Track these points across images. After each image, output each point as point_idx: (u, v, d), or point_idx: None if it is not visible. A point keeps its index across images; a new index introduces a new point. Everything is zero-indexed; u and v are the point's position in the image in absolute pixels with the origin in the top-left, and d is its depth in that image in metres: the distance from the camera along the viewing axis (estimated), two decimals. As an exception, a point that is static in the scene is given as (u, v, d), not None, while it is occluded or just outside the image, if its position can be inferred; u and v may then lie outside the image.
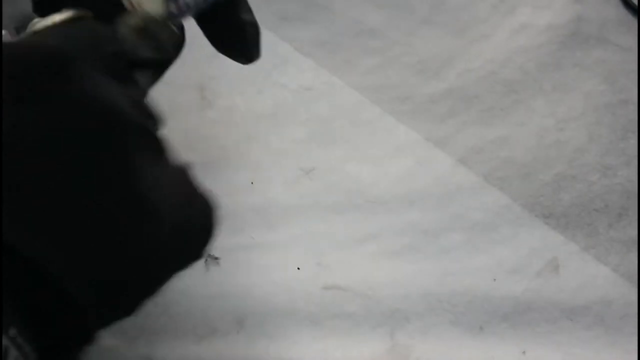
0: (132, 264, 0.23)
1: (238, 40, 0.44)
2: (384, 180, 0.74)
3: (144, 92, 0.29)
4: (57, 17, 0.26)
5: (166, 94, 0.78)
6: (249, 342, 0.63)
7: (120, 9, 0.33)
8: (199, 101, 0.77)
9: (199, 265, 0.67)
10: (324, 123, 0.77)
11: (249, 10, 0.41)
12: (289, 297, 0.65)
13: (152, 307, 0.64)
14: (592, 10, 0.86)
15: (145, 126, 0.25)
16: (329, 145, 0.76)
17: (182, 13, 0.44)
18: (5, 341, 0.19)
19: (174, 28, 0.40)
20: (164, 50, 0.38)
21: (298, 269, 0.67)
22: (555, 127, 0.77)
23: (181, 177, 0.28)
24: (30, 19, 0.27)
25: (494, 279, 0.67)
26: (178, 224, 0.25)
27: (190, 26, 0.80)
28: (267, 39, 0.89)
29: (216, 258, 0.67)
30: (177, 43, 0.40)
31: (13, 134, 0.20)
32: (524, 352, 0.63)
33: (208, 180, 0.72)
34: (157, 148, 0.27)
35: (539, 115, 0.78)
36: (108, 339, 0.62)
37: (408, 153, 0.75)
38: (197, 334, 0.63)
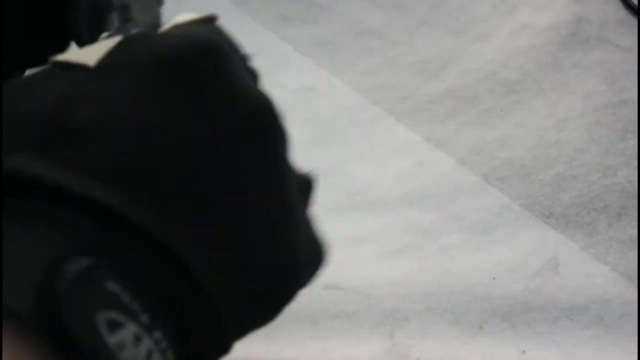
0: (277, 272, 0.22)
1: None
2: (384, 180, 0.74)
3: None
4: (186, 16, 0.26)
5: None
6: (248, 341, 0.63)
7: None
8: (199, 101, 0.78)
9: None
10: (324, 123, 0.77)
11: None
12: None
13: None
14: (592, 10, 0.86)
15: (286, 130, 0.24)
16: (328, 145, 0.76)
17: None
18: (149, 343, 0.18)
19: None
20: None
21: (298, 268, 0.67)
22: (555, 128, 0.77)
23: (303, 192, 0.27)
24: (159, 26, 0.27)
25: (494, 279, 0.67)
26: (309, 239, 0.25)
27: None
28: (267, 39, 0.90)
29: (216, 258, 0.67)
30: None
31: (167, 120, 0.20)
32: (523, 352, 0.63)
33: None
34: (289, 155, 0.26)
35: (538, 116, 0.78)
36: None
37: (408, 153, 0.75)
38: (197, 334, 0.63)
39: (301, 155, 0.83)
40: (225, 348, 0.22)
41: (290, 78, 0.80)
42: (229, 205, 0.20)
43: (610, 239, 0.69)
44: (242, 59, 0.25)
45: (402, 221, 0.71)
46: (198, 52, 0.21)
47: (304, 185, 0.25)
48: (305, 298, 0.67)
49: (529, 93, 0.80)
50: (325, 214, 0.76)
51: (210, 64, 0.21)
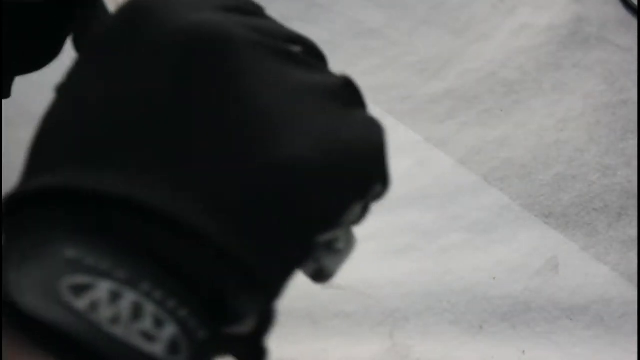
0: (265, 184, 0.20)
1: None
2: (384, 180, 0.74)
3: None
4: None
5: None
6: (248, 341, 0.63)
7: None
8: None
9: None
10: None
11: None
12: (288, 296, 0.65)
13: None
14: (592, 10, 0.86)
15: (277, 47, 0.24)
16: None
17: None
18: (134, 296, 0.17)
19: None
20: None
21: (298, 268, 0.67)
22: (555, 127, 0.77)
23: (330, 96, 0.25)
24: None
25: (494, 279, 0.67)
26: (330, 139, 0.23)
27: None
28: (267, 39, 0.90)
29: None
30: None
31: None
32: (523, 352, 0.63)
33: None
34: (295, 66, 0.24)
35: (538, 116, 0.78)
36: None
37: (408, 153, 0.75)
38: (197, 334, 0.63)
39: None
40: (260, 289, 0.20)
41: (290, 78, 0.80)
42: (198, 145, 0.20)
43: (611, 239, 0.69)
44: (271, 37, 0.24)
45: (402, 221, 0.71)
46: (203, 46, 0.21)
47: (337, 88, 0.24)
48: (305, 298, 0.67)
49: (529, 93, 0.80)
50: (325, 214, 0.75)
51: (214, 54, 0.21)
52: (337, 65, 0.89)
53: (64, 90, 0.21)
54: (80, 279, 0.17)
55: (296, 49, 0.25)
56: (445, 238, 0.70)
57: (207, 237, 0.18)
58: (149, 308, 0.17)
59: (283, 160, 0.20)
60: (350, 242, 0.30)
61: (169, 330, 0.18)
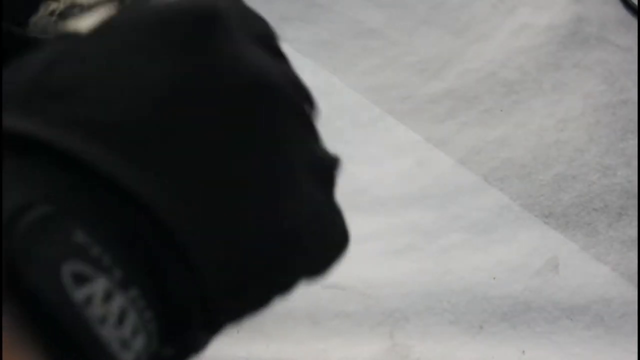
0: (269, 246, 0.21)
1: None
2: (384, 180, 0.74)
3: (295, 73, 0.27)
4: None
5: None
6: (248, 341, 0.63)
7: None
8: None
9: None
10: (324, 123, 0.77)
11: None
12: (288, 297, 0.65)
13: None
14: (592, 10, 0.86)
15: (297, 102, 0.23)
16: (328, 145, 0.76)
17: None
18: (124, 301, 0.17)
19: None
20: None
21: (298, 268, 0.67)
22: (555, 128, 0.77)
23: (325, 174, 0.25)
24: None
25: (494, 279, 0.67)
26: (316, 215, 0.23)
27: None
28: (267, 39, 0.90)
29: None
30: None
31: (152, 82, 0.19)
32: (523, 352, 0.63)
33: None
34: (308, 131, 0.24)
35: (538, 116, 0.78)
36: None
37: (408, 153, 0.75)
38: (197, 334, 0.63)
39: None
40: (212, 324, 0.20)
41: (290, 78, 0.80)
42: (214, 168, 0.19)
43: (611, 239, 0.69)
44: (262, 34, 0.24)
45: (402, 221, 0.71)
46: (193, 18, 0.21)
47: (325, 168, 0.24)
48: (305, 298, 0.67)
49: (529, 93, 0.80)
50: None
51: (203, 30, 0.21)
52: (337, 65, 0.90)
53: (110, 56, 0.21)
54: (83, 267, 0.16)
55: (308, 109, 0.25)
56: (445, 238, 0.70)
57: (195, 264, 0.19)
58: (132, 316, 0.17)
59: (284, 225, 0.21)
60: None
61: (140, 342, 0.17)
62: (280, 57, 0.24)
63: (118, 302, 0.17)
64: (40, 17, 0.31)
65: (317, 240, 0.23)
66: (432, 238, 0.70)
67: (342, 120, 0.78)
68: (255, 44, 0.23)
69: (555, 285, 0.67)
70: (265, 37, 0.24)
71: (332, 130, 0.77)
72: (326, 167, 0.24)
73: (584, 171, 0.74)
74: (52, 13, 0.32)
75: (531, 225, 0.70)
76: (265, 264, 0.21)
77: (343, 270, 0.74)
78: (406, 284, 0.67)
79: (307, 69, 0.81)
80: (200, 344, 0.21)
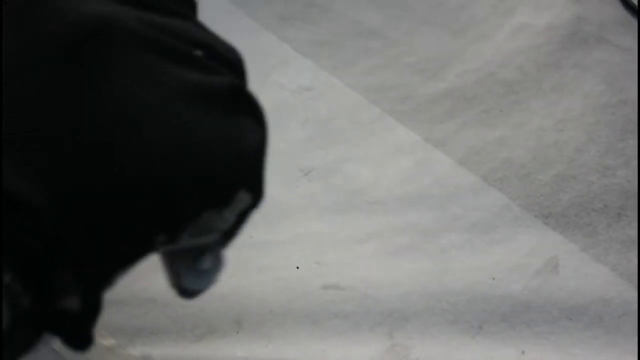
0: (111, 195, 0.21)
1: None
2: (383, 180, 0.74)
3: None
4: None
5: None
6: (248, 341, 0.63)
7: None
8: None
9: (198, 265, 0.67)
10: (323, 123, 0.77)
11: None
12: (288, 297, 0.65)
13: (151, 307, 0.64)
14: (592, 10, 0.86)
15: (147, 36, 0.23)
16: (328, 145, 0.76)
17: None
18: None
19: None
20: None
21: (297, 268, 0.67)
22: (555, 128, 0.77)
23: (201, 97, 0.25)
24: None
25: (493, 279, 0.67)
26: (204, 138, 0.23)
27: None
28: (267, 40, 0.90)
29: (215, 258, 0.67)
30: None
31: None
32: (523, 352, 0.63)
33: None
34: (172, 62, 0.24)
35: (538, 116, 0.78)
36: (107, 339, 0.62)
37: (407, 153, 0.75)
38: (196, 334, 0.63)
39: (300, 155, 0.83)
40: (73, 266, 0.21)
41: (289, 78, 0.80)
42: (46, 123, 0.20)
43: (610, 239, 0.69)
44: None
45: (402, 221, 0.71)
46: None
47: (208, 91, 0.24)
48: (305, 298, 0.67)
49: (529, 93, 0.80)
50: (325, 214, 0.76)
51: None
52: (337, 65, 0.89)
53: None
54: None
55: (197, 52, 0.25)
56: (444, 238, 0.70)
57: (42, 215, 0.19)
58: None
59: (129, 170, 0.21)
60: (218, 263, 0.29)
61: None
62: (163, 12, 0.25)
63: None
64: None
65: (210, 161, 0.23)
66: (431, 238, 0.70)
67: (342, 120, 0.78)
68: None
69: (554, 286, 0.67)
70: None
71: (331, 130, 0.77)
72: (209, 90, 0.24)
73: (584, 171, 0.74)
74: None
75: (531, 225, 0.70)
76: (130, 207, 0.21)
77: (343, 271, 0.73)
78: (405, 284, 0.67)
79: (306, 69, 0.81)
80: (65, 288, 0.21)
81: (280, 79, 0.80)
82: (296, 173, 0.74)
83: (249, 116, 0.25)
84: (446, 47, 0.83)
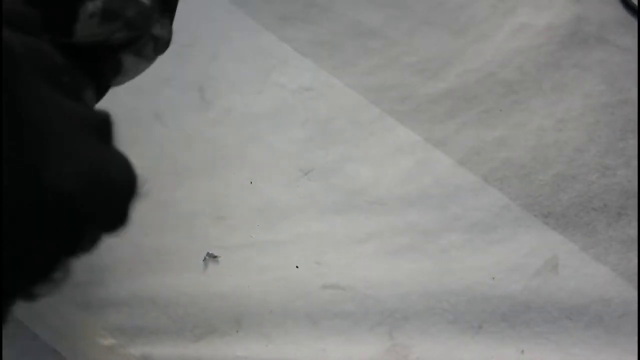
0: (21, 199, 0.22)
1: None
2: (384, 180, 0.74)
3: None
4: None
5: (166, 94, 0.78)
6: (247, 341, 0.63)
7: None
8: (199, 101, 0.78)
9: (197, 265, 0.67)
10: (323, 123, 0.77)
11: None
12: (288, 297, 0.65)
13: (151, 307, 0.64)
14: (592, 10, 0.86)
15: (46, 67, 0.25)
16: (328, 145, 0.76)
17: None
18: None
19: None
20: (134, 26, 0.37)
21: (297, 268, 0.67)
22: (555, 128, 0.77)
23: (89, 120, 0.27)
24: None
25: (493, 279, 0.67)
26: (90, 167, 0.25)
27: (190, 27, 0.80)
28: (267, 40, 0.90)
29: (215, 257, 0.67)
30: (148, 14, 0.39)
31: None
32: (522, 352, 0.63)
33: (207, 180, 0.72)
34: (67, 93, 0.26)
35: (538, 116, 0.78)
36: (107, 338, 0.62)
37: (407, 153, 0.75)
38: (196, 334, 0.63)
39: (300, 155, 0.83)
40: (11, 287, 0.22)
41: (289, 78, 0.80)
42: None
43: (610, 239, 0.69)
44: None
45: (402, 221, 0.71)
46: None
47: (94, 123, 0.26)
48: (304, 298, 0.67)
49: (529, 93, 0.80)
50: (325, 214, 0.76)
51: None
52: (337, 65, 0.89)
53: None
54: None
55: (66, 78, 0.27)
56: (444, 238, 0.70)
57: None
58: None
59: (47, 184, 0.22)
60: (67, 274, 0.32)
61: None
62: (29, 32, 0.26)
63: None
64: (84, 24, 0.32)
65: (94, 191, 0.24)
66: (431, 238, 0.70)
67: (342, 120, 0.78)
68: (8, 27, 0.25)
69: (554, 285, 0.67)
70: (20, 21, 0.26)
71: (331, 130, 0.77)
72: (95, 122, 0.26)
73: (584, 171, 0.74)
74: (92, 15, 0.33)
75: (531, 225, 0.70)
76: (29, 223, 0.22)
77: (343, 271, 0.73)
78: (405, 284, 0.67)
79: (306, 69, 0.81)
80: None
81: (280, 79, 0.80)
82: (296, 173, 0.74)
83: (113, 143, 0.28)
84: (446, 47, 0.83)
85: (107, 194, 0.26)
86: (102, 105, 0.47)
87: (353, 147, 0.76)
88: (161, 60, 0.52)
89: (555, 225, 0.70)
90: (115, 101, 0.49)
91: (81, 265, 0.66)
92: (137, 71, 0.39)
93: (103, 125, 0.28)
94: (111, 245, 0.67)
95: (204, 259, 0.67)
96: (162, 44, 0.36)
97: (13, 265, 0.23)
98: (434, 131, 0.77)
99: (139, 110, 0.76)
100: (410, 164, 0.75)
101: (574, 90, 0.80)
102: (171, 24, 0.38)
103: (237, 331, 0.64)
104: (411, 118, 0.78)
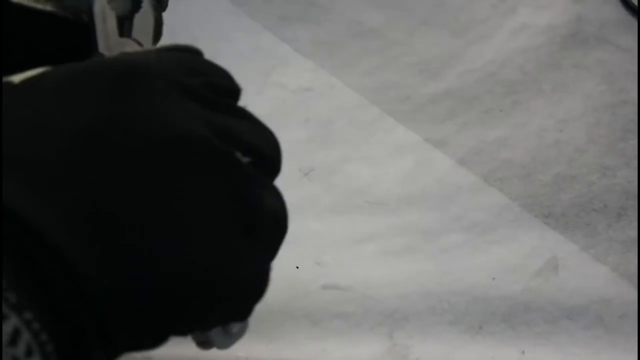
0: (165, 284, 0.22)
1: None
2: (384, 180, 0.74)
3: (237, 125, 0.28)
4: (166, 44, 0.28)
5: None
6: (247, 341, 0.63)
7: None
8: (198, 101, 0.78)
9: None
10: (324, 124, 0.77)
11: None
12: (288, 297, 0.65)
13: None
14: (592, 10, 0.86)
15: (221, 153, 0.25)
16: (328, 146, 0.76)
17: None
18: (17, 322, 0.18)
19: None
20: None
21: (297, 268, 0.67)
22: (555, 128, 0.77)
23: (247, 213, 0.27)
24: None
25: (493, 279, 0.67)
26: (233, 265, 0.25)
27: (190, 29, 0.80)
28: (267, 40, 0.90)
29: (216, 258, 0.67)
30: None
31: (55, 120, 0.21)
32: (523, 352, 0.63)
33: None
34: (240, 182, 0.26)
35: (538, 116, 0.78)
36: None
37: (407, 154, 0.75)
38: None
39: (300, 155, 0.83)
40: (109, 348, 0.22)
41: (289, 78, 0.80)
42: (117, 205, 0.21)
43: (610, 239, 0.69)
44: (199, 87, 0.25)
45: (402, 221, 0.71)
46: (114, 73, 0.22)
47: (256, 223, 0.26)
48: (304, 298, 0.67)
49: (529, 93, 0.80)
50: (325, 214, 0.76)
51: (123, 85, 0.22)
52: (337, 65, 0.89)
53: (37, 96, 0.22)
54: None
55: (246, 159, 0.27)
56: (444, 238, 0.70)
57: (88, 281, 0.20)
58: (25, 336, 0.18)
59: (191, 270, 0.22)
60: (245, 327, 0.33)
61: None
62: (220, 109, 0.26)
63: (12, 323, 0.17)
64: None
65: (228, 289, 0.24)
66: (431, 238, 0.70)
67: (342, 121, 0.78)
68: (186, 97, 0.24)
69: (554, 286, 0.67)
70: (203, 88, 0.26)
71: (331, 131, 0.77)
72: (258, 223, 0.26)
73: (584, 171, 0.74)
74: None
75: (531, 225, 0.70)
76: (164, 302, 0.22)
77: (343, 271, 0.73)
78: (406, 285, 0.67)
79: (306, 69, 0.81)
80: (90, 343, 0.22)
81: (280, 79, 0.80)
82: (296, 173, 0.74)
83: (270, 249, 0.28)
84: (446, 47, 0.83)
85: (239, 294, 0.26)
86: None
87: (353, 147, 0.76)
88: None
89: (555, 226, 0.70)
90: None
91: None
92: None
93: (264, 225, 0.27)
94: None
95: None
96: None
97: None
98: (434, 131, 0.77)
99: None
100: (410, 164, 0.75)
101: (574, 91, 0.80)
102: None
103: (237, 331, 0.64)
104: (411, 118, 0.78)
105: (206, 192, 0.23)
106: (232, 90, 0.29)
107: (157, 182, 0.21)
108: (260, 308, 0.70)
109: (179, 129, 0.22)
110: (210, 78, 0.27)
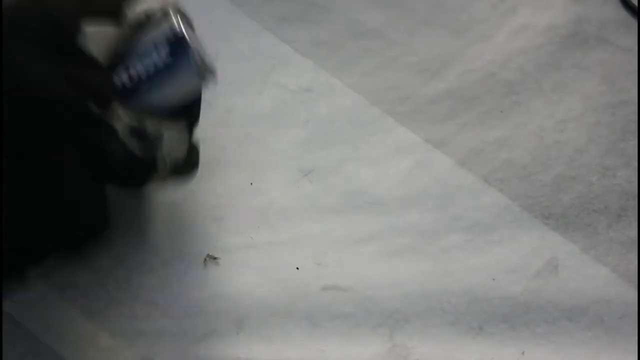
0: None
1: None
2: (384, 181, 0.74)
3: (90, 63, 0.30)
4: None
5: (166, 95, 0.78)
6: (248, 342, 0.63)
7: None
8: (198, 102, 0.77)
9: (198, 266, 0.67)
10: (324, 124, 0.77)
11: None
12: (288, 298, 0.65)
13: (151, 308, 0.64)
14: (592, 10, 0.86)
15: (66, 100, 0.26)
16: (328, 146, 0.76)
17: (135, 85, 0.46)
18: None
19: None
20: (149, 149, 0.42)
21: (297, 269, 0.67)
22: (555, 128, 0.77)
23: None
24: None
25: (493, 280, 0.67)
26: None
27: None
28: (267, 40, 0.90)
29: (215, 258, 0.67)
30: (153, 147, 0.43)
31: None
32: (523, 353, 0.63)
33: (208, 181, 0.72)
34: (90, 125, 0.27)
35: (538, 116, 0.78)
36: (108, 339, 0.62)
37: (407, 154, 0.75)
38: (196, 335, 0.63)
39: (300, 156, 0.83)
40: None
41: (289, 78, 0.80)
42: None
43: (610, 240, 0.69)
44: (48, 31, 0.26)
45: (402, 222, 0.71)
46: None
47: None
48: (305, 298, 0.67)
49: (529, 93, 0.80)
50: (325, 215, 0.76)
51: None
52: (337, 65, 0.89)
53: None
54: None
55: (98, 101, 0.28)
56: (445, 239, 0.70)
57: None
58: None
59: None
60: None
61: None
62: (70, 55, 0.27)
63: None
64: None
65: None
66: (431, 239, 0.70)
67: (342, 121, 0.78)
68: (37, 46, 0.26)
69: (554, 286, 0.67)
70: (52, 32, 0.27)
71: (331, 131, 0.77)
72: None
73: (584, 172, 0.74)
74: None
75: (531, 226, 0.70)
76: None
77: (343, 271, 0.73)
78: (406, 285, 0.67)
79: (306, 69, 0.81)
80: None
81: (280, 80, 0.80)
82: (296, 173, 0.74)
83: None
84: (446, 48, 0.83)
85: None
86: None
87: (353, 148, 0.76)
88: (161, 61, 0.52)
89: (555, 226, 0.70)
90: (115, 102, 0.49)
91: (81, 267, 0.66)
92: None
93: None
94: (111, 246, 0.67)
95: (204, 261, 0.67)
96: None
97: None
98: (434, 132, 0.77)
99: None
100: (410, 165, 0.75)
101: (574, 91, 0.80)
102: None
103: (238, 332, 0.64)
104: (411, 118, 0.78)
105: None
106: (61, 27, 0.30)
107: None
108: (260, 309, 0.70)
109: (19, 82, 0.24)
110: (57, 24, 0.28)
